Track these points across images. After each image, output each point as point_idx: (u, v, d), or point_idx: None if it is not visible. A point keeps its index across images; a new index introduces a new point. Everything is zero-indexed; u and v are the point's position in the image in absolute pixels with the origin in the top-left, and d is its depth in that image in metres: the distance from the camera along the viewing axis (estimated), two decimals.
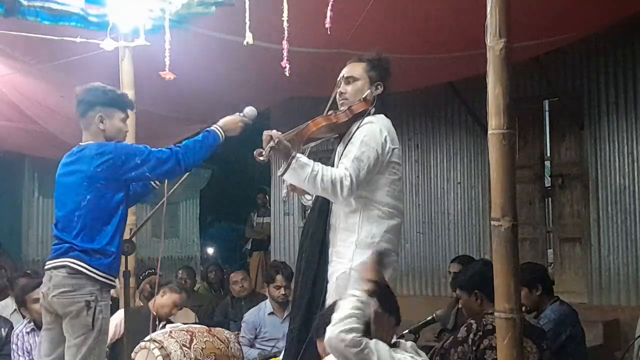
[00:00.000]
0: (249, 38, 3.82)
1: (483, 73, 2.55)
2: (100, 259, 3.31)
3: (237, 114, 3.52)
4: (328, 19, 3.53)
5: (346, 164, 3.07)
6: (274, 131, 3.15)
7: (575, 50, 6.57)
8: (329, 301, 3.01)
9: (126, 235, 3.67)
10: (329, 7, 3.53)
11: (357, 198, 3.10)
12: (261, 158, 3.18)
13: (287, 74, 3.77)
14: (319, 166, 3.06)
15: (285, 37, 3.69)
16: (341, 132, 3.27)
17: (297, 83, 5.58)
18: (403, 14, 4.77)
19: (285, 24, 3.65)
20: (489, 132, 2.59)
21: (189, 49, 4.90)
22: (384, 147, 3.10)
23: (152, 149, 3.39)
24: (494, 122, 2.56)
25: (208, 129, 3.47)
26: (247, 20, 3.79)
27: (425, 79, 6.35)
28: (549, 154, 7.14)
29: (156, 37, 4.43)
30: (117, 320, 4.33)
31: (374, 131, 3.11)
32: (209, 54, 5.31)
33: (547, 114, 7.23)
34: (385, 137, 3.12)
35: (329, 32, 3.49)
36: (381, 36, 4.84)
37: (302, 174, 3.05)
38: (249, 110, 3.48)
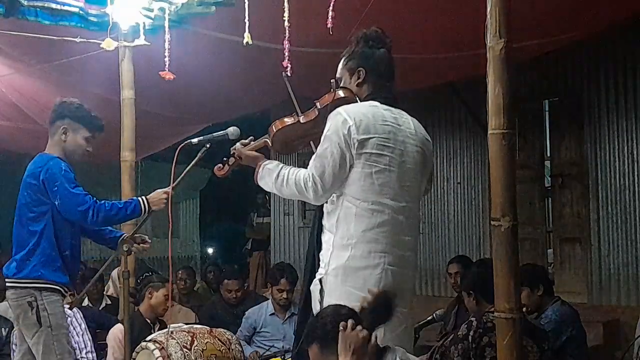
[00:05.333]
0: (248, 38, 3.82)
1: (483, 73, 2.56)
2: (23, 270, 3.52)
3: (223, 132, 3.39)
4: (330, 19, 3.52)
5: (310, 163, 2.88)
6: (237, 144, 3.10)
7: (575, 50, 6.56)
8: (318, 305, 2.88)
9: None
10: (331, 7, 3.53)
11: (338, 195, 2.87)
12: (221, 173, 3.17)
13: (288, 74, 3.77)
14: (285, 170, 2.92)
15: (286, 37, 3.69)
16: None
17: (297, 83, 5.56)
18: (403, 13, 4.77)
19: (285, 24, 3.65)
20: (489, 132, 2.60)
21: (189, 49, 4.90)
22: (347, 139, 2.78)
23: (77, 190, 3.46)
24: (494, 122, 2.57)
25: (133, 198, 3.66)
26: (246, 20, 3.79)
27: (425, 79, 6.34)
28: (549, 154, 7.14)
29: (156, 37, 4.44)
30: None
31: (337, 123, 2.82)
32: (209, 54, 5.31)
33: (547, 113, 7.23)
34: (350, 127, 2.78)
35: (330, 32, 3.49)
36: None
37: (269, 181, 2.94)
38: (233, 130, 3.37)
